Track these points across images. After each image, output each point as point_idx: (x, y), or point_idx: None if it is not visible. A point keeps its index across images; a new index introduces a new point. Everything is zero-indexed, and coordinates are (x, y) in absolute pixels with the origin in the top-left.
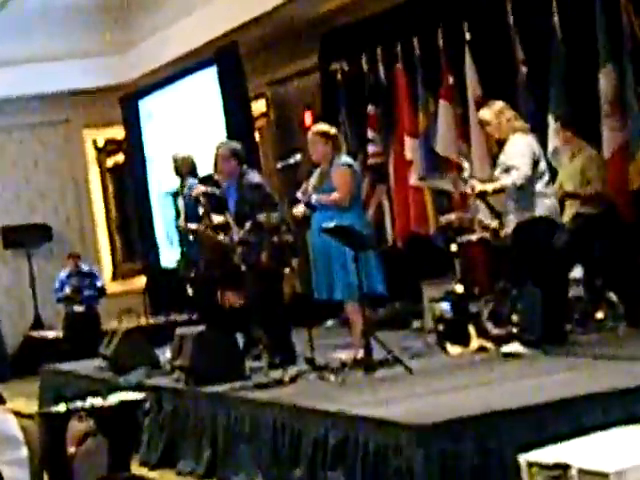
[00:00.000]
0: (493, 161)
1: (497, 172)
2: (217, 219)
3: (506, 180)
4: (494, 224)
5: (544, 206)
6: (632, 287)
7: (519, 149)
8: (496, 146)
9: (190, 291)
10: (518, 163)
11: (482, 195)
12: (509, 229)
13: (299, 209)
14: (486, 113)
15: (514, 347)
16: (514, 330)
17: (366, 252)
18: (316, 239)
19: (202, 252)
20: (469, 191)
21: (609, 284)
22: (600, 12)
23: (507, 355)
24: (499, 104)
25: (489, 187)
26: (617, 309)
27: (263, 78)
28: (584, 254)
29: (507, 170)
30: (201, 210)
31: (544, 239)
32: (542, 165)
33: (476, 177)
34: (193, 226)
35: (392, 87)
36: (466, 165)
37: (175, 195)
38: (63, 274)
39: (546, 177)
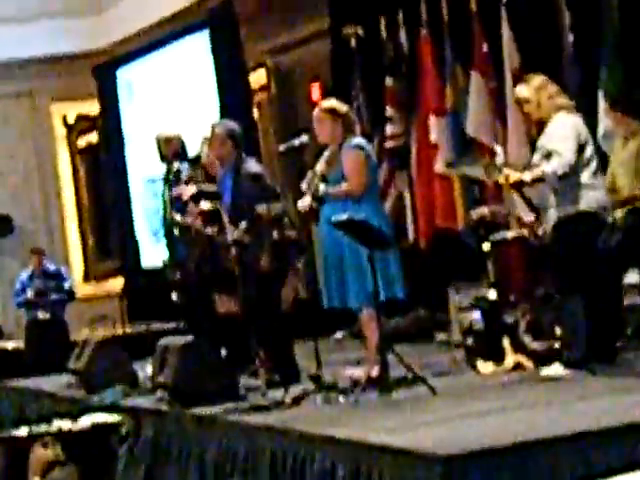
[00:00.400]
0: (532, 145)
1: (536, 158)
2: (205, 205)
3: (546, 168)
4: (531, 219)
5: (590, 199)
6: None
7: (562, 131)
8: (535, 127)
9: (175, 296)
10: (561, 148)
11: (518, 186)
12: (548, 225)
13: (305, 202)
14: (524, 89)
15: (554, 369)
16: (556, 345)
17: (384, 251)
18: (326, 236)
19: (191, 250)
20: (502, 181)
21: None
22: None
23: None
24: (539, 79)
25: (526, 176)
26: None
27: (263, 45)
28: None
29: (548, 155)
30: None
31: (589, 238)
32: (589, 151)
33: (511, 164)
34: (181, 219)
35: (415, 56)
36: (499, 150)
37: (164, 182)
38: (25, 274)
39: (593, 165)
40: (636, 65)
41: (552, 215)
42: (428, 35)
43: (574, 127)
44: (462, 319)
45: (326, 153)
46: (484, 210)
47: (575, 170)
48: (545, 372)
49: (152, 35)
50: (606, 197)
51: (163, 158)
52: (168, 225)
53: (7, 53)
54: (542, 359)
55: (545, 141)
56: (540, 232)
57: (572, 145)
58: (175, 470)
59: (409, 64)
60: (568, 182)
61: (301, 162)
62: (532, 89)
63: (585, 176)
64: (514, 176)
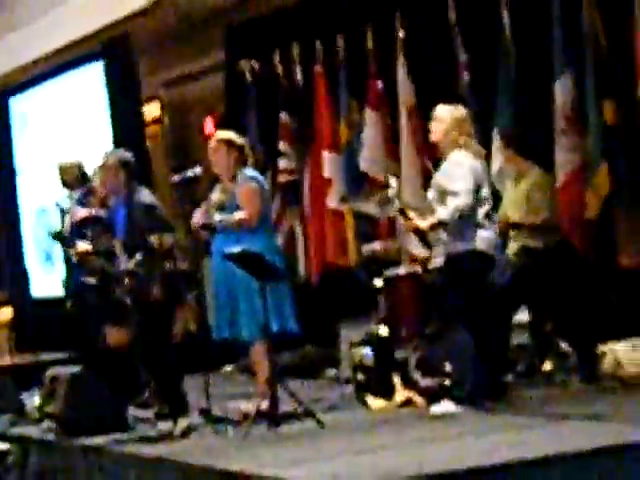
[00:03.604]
0: (426, 181)
1: (431, 194)
2: (82, 246)
3: (442, 213)
4: (423, 254)
5: (481, 239)
6: (586, 334)
7: (460, 171)
8: (430, 156)
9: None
10: (458, 188)
11: (415, 231)
12: (438, 261)
13: (197, 219)
14: (444, 111)
15: (444, 406)
16: (446, 382)
17: (277, 284)
18: (218, 267)
19: (83, 279)
20: (401, 221)
21: (560, 330)
22: (558, 10)
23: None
24: (463, 112)
25: (424, 224)
26: (568, 360)
27: (157, 77)
28: (531, 294)
29: (444, 193)
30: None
31: (477, 276)
32: (484, 192)
33: (403, 200)
34: (82, 246)
35: (310, 92)
36: (393, 183)
37: (62, 210)
38: None
39: (487, 206)
40: (528, 106)
41: (442, 251)
42: (323, 70)
43: (471, 167)
44: (352, 355)
45: (219, 185)
46: (376, 246)
47: (470, 209)
48: (435, 409)
49: (46, 65)
50: (497, 237)
51: (65, 185)
52: (64, 245)
53: None
54: (432, 395)
55: (442, 180)
56: (430, 267)
57: (470, 185)
58: None
59: (303, 99)
60: (461, 221)
61: (193, 194)
62: (452, 116)
63: (478, 216)
64: (411, 223)
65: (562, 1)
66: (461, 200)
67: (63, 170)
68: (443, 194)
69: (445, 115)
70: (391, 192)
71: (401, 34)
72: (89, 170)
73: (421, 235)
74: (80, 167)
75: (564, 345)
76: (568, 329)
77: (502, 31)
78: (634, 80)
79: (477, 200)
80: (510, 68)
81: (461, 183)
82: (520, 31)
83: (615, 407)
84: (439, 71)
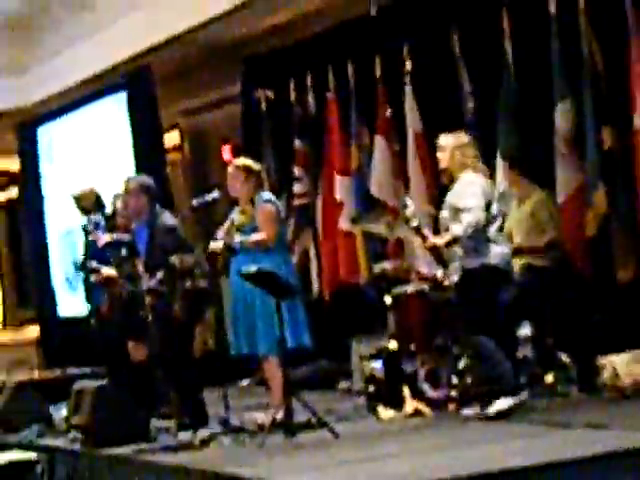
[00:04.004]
0: (437, 205)
1: (445, 214)
2: (106, 271)
3: (456, 229)
4: (432, 273)
5: (494, 254)
6: (586, 348)
7: (472, 189)
8: (434, 181)
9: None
10: (471, 204)
11: (433, 249)
12: (454, 277)
13: (217, 244)
14: (447, 139)
15: (501, 403)
16: (453, 393)
17: (292, 300)
18: (236, 286)
19: (107, 297)
20: (418, 239)
21: (561, 344)
22: (557, 39)
23: (494, 417)
24: (465, 138)
25: (440, 241)
26: (569, 372)
27: (177, 107)
28: (534, 310)
29: (457, 211)
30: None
31: (491, 291)
32: (495, 208)
33: (418, 218)
34: (105, 270)
35: (322, 119)
36: (409, 202)
37: (85, 232)
38: None
39: (498, 222)
40: (531, 130)
41: (457, 267)
42: (334, 99)
43: (481, 185)
44: (364, 368)
45: (237, 208)
46: (386, 265)
47: (483, 225)
48: (494, 408)
49: (73, 95)
50: (509, 251)
51: (83, 211)
52: (86, 272)
53: None
54: (439, 406)
55: (454, 199)
56: (447, 283)
57: (481, 201)
58: None
59: (316, 126)
60: (475, 236)
61: (212, 216)
62: (454, 142)
63: (490, 231)
64: (429, 242)
65: (562, 32)
66: (474, 215)
67: (80, 198)
68: (456, 212)
69: (448, 143)
70: (409, 211)
71: (408, 64)
72: (105, 196)
73: (437, 253)
74: (95, 192)
75: (565, 358)
76: (569, 343)
77: (504, 60)
78: (629, 108)
79: (489, 216)
80: (512, 95)
81: (473, 200)
82: (522, 59)
83: (613, 416)
84: (444, 99)
